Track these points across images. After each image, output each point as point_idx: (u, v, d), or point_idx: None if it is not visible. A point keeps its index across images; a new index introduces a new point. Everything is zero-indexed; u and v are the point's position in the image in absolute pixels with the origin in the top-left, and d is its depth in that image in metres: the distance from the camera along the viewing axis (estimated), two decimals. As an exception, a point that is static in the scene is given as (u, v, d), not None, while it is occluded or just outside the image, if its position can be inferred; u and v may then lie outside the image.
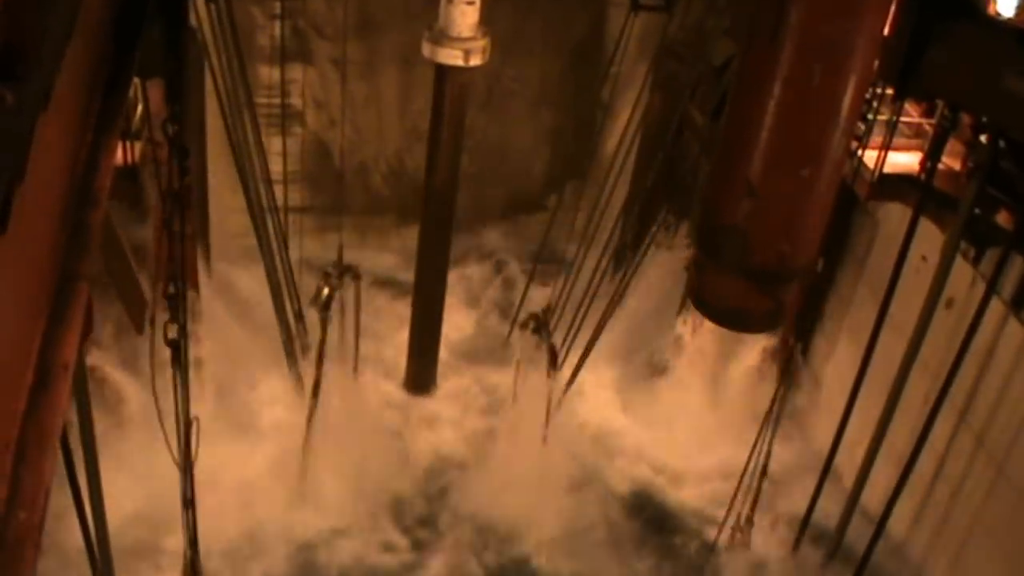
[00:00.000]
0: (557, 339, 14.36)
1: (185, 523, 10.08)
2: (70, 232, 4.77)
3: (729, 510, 13.19)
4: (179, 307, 10.78)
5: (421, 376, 15.41)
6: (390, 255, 17.67)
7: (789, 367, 12.76)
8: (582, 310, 14.38)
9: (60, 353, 4.26)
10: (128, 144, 10.98)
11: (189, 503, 10.20)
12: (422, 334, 14.80)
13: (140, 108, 11.26)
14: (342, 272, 13.31)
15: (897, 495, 11.24)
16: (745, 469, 12.83)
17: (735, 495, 13.06)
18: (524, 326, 14.11)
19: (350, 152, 15.51)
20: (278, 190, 14.08)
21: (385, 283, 17.54)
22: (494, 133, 16.11)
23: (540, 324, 13.76)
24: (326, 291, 13.20)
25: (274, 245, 13.53)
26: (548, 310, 14.18)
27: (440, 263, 13.65)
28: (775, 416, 13.10)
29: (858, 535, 12.63)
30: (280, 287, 13.69)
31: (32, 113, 3.68)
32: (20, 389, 3.91)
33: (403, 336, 15.83)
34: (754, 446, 12.77)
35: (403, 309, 16.30)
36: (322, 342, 13.21)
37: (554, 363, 13.70)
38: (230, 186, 14.72)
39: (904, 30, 9.82)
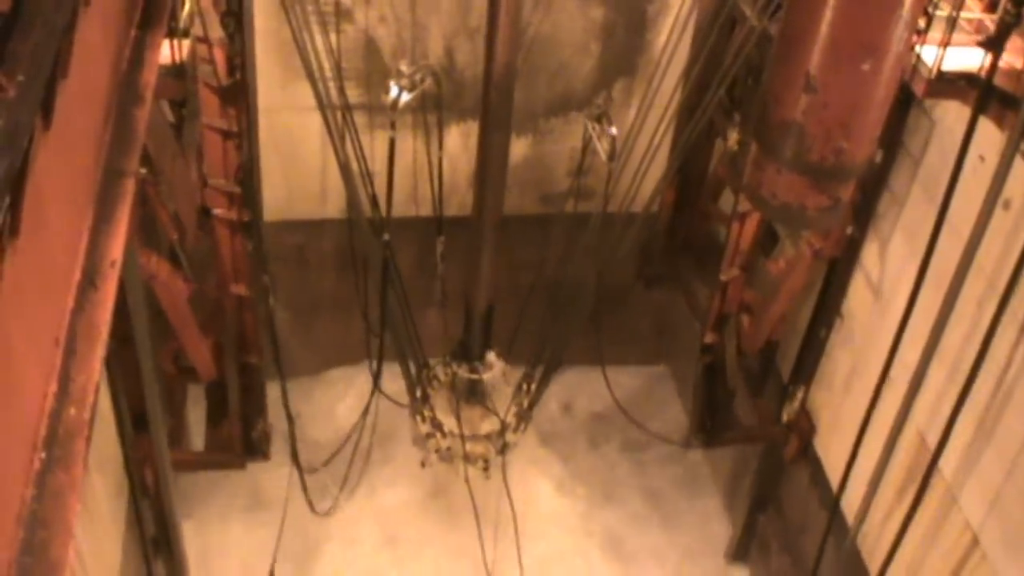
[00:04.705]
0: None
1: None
2: (115, 129, 4.74)
3: None
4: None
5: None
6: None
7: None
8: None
9: (108, 250, 4.27)
10: (175, 42, 10.90)
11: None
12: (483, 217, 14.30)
13: (188, 5, 11.16)
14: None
15: (959, 409, 11.13)
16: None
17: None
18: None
19: (399, 49, 15.36)
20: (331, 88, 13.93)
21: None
22: (544, 30, 15.88)
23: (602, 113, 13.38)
24: (396, 90, 11.95)
25: (347, 141, 13.37)
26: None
27: (500, 154, 13.34)
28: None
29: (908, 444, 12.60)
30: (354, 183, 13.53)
31: (73, 8, 3.63)
32: (68, 286, 3.92)
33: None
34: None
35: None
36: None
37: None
38: (278, 83, 14.67)
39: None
